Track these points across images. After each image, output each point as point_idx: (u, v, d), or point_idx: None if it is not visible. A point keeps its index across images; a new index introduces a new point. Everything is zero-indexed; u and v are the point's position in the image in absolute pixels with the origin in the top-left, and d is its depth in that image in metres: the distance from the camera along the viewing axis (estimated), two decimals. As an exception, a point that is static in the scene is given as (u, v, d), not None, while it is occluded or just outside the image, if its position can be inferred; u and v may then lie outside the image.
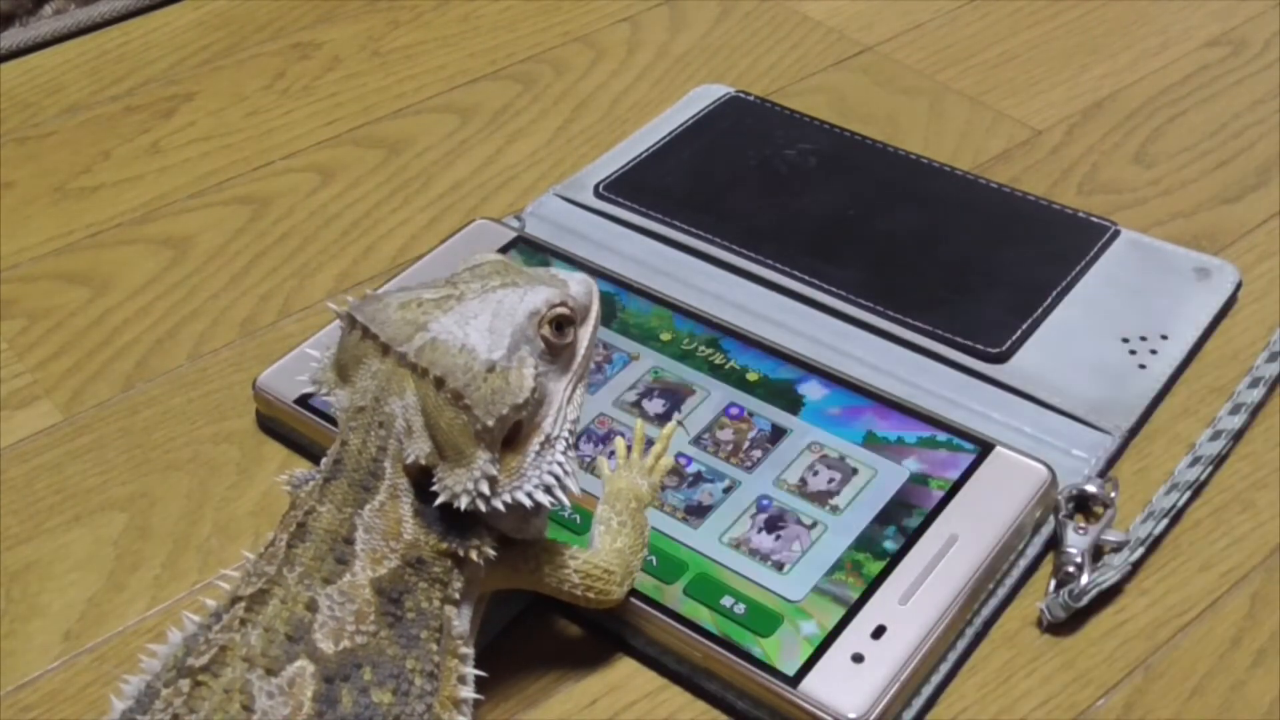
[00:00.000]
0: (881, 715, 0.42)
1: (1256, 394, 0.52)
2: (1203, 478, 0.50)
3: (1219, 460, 0.51)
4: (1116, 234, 0.59)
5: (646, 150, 0.66)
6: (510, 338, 0.40)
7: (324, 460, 0.41)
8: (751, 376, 0.52)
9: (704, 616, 0.45)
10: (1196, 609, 0.47)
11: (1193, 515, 0.50)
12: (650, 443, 0.47)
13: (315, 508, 0.39)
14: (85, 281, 0.62)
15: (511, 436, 0.40)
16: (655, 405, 0.52)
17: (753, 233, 0.60)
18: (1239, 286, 0.57)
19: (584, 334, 0.42)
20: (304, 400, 0.52)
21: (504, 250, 0.58)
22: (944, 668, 0.45)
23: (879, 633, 0.44)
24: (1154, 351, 0.54)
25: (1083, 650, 0.46)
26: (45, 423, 0.55)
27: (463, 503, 0.39)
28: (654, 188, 0.63)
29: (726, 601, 0.45)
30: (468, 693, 0.40)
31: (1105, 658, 0.45)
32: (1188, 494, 0.49)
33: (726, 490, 0.49)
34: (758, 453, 0.50)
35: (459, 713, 0.39)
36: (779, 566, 0.46)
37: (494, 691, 0.45)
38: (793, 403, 0.51)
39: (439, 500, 0.39)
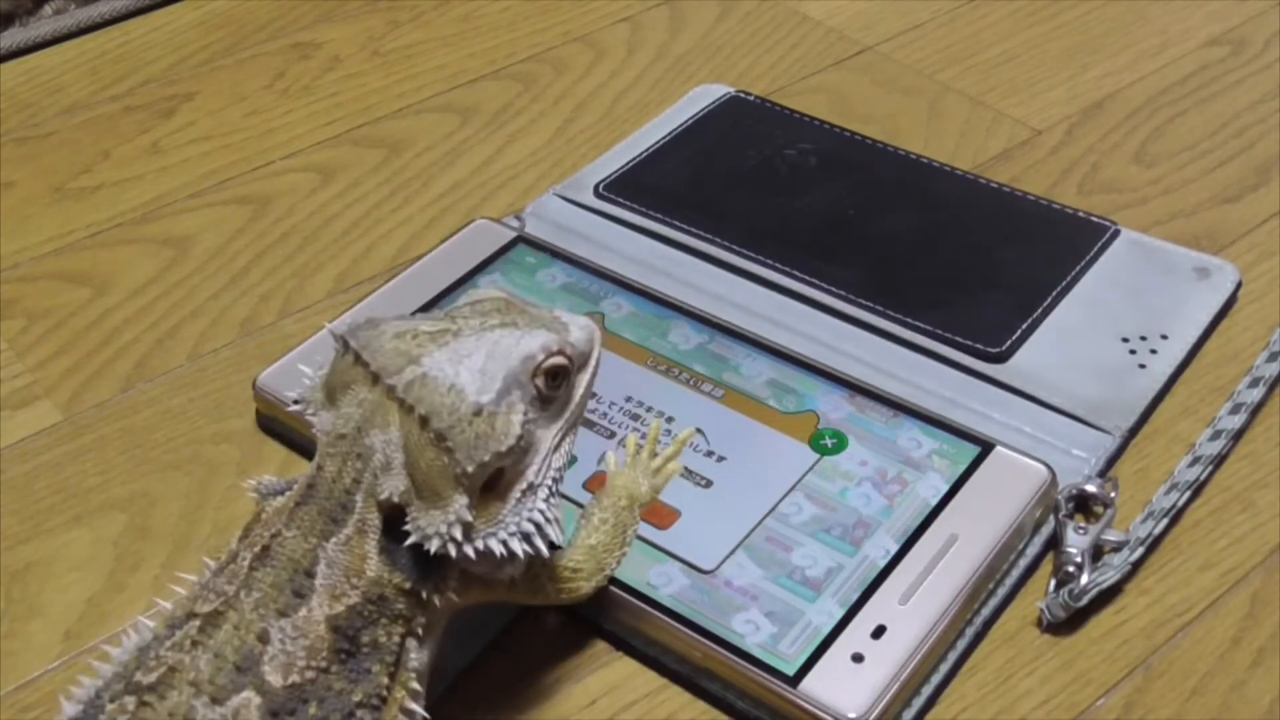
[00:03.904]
0: (881, 715, 0.42)
1: (1256, 394, 0.52)
2: (1203, 478, 0.50)
3: (1219, 460, 0.51)
4: (1116, 234, 0.59)
5: (646, 150, 0.66)
6: (502, 381, 0.38)
7: (299, 480, 0.40)
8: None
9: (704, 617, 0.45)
10: (1196, 609, 0.47)
11: (1193, 515, 0.50)
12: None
13: (282, 531, 0.38)
14: (85, 281, 0.62)
15: (493, 482, 0.39)
16: (655, 405, 0.52)
17: (753, 233, 0.60)
18: (1239, 286, 0.57)
19: (581, 381, 0.41)
20: (304, 400, 0.52)
21: (504, 250, 0.58)
22: (944, 668, 0.45)
23: (879, 633, 0.44)
24: (1154, 351, 0.54)
25: (1083, 650, 0.46)
26: (45, 423, 0.55)
27: (433, 545, 0.38)
28: (654, 188, 0.63)
29: (726, 601, 0.45)
30: None
31: (1105, 658, 0.45)
32: (1188, 494, 0.49)
33: (726, 490, 0.49)
34: (758, 453, 0.50)
35: None
36: (779, 567, 0.46)
37: (494, 692, 0.45)
38: (793, 403, 0.51)
39: (409, 541, 0.38)
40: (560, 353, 0.40)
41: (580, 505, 0.46)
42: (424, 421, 0.38)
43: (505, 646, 0.46)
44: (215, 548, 0.50)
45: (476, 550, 0.38)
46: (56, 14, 0.78)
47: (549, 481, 0.40)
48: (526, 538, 0.39)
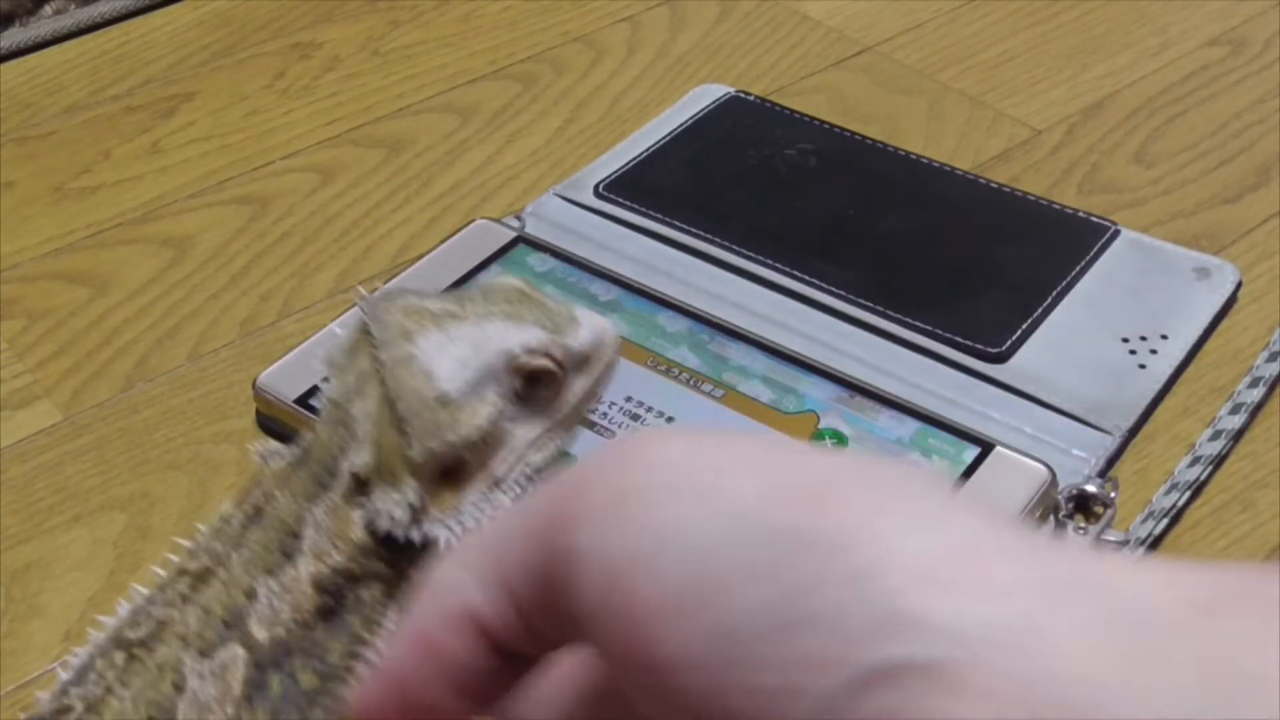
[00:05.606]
0: (881, 715, 0.42)
1: (1256, 394, 0.52)
2: (1203, 478, 0.50)
3: (1219, 460, 0.51)
4: (1116, 234, 0.59)
5: (646, 150, 0.66)
6: (474, 372, 0.38)
7: (297, 445, 0.40)
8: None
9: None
10: (1196, 609, 0.47)
11: (1193, 515, 0.50)
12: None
13: (274, 494, 0.39)
14: (85, 281, 0.62)
15: (456, 471, 0.39)
16: (655, 405, 0.52)
17: (753, 233, 0.60)
18: (1239, 286, 0.57)
19: (579, 383, 0.40)
20: (304, 400, 0.52)
21: (504, 250, 0.58)
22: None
23: (879, 633, 0.44)
24: (1154, 351, 0.54)
25: (1083, 650, 0.46)
26: (45, 423, 0.55)
27: (381, 525, 0.38)
28: (654, 188, 0.63)
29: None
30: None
31: (1105, 658, 0.45)
32: (1188, 494, 0.49)
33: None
34: (758, 453, 0.50)
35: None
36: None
37: (494, 691, 0.45)
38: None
39: (362, 515, 0.38)
40: (545, 354, 0.39)
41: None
42: (391, 402, 0.38)
43: (505, 646, 0.46)
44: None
45: (423, 536, 0.38)
46: (56, 14, 0.78)
47: (516, 480, 0.40)
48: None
